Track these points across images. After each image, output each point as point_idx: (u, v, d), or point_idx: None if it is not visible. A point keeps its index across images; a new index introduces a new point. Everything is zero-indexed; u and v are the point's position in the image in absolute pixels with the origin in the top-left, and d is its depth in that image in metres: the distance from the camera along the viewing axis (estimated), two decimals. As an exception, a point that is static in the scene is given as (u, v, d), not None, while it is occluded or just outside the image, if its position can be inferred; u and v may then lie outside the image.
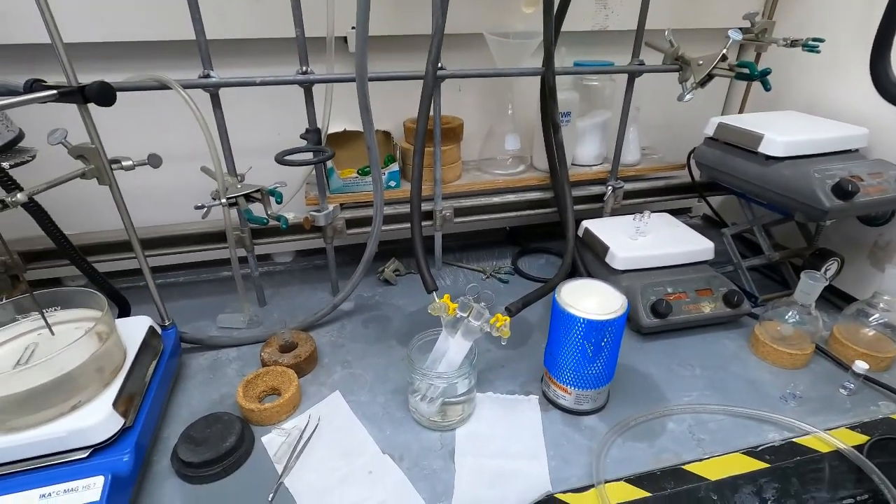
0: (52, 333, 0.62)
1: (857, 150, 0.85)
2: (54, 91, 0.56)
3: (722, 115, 1.18)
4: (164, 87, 0.67)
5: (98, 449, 0.54)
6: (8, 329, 0.62)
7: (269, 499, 0.57)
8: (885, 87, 0.84)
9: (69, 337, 0.61)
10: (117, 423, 0.56)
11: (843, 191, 0.74)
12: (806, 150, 0.81)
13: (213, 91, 0.73)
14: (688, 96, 0.88)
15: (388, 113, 0.97)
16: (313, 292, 0.99)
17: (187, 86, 0.68)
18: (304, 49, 0.73)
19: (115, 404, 0.56)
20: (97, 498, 0.50)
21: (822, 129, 0.86)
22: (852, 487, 0.60)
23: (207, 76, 0.71)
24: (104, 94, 0.58)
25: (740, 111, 1.12)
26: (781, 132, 0.82)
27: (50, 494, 0.50)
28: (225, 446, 0.60)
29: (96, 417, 0.54)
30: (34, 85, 0.57)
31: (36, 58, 0.73)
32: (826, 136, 0.83)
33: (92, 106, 0.60)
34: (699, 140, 0.98)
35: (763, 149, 0.82)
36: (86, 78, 0.60)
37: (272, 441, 0.65)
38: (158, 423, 0.66)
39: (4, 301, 0.63)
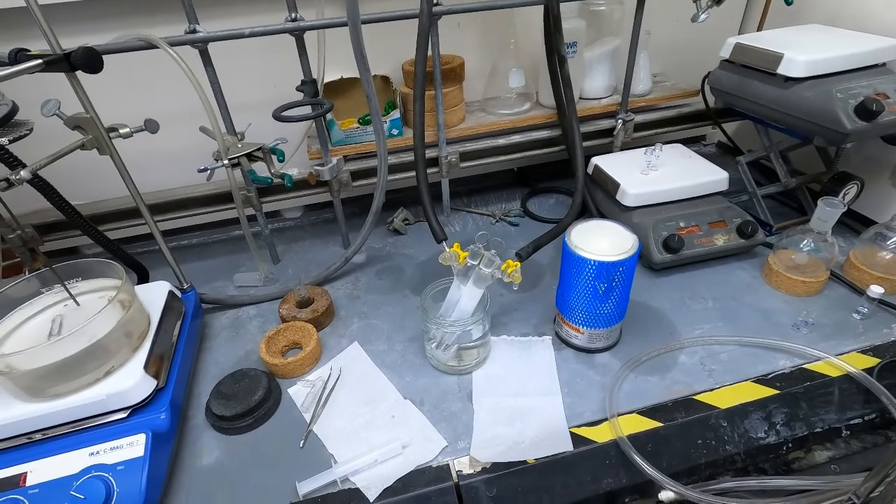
0: (77, 304, 0.64)
1: (884, 65, 0.79)
2: (40, 60, 0.55)
3: (739, 34, 1.10)
4: (150, 46, 0.65)
5: (136, 409, 0.58)
6: (34, 302, 0.64)
7: (301, 445, 0.61)
8: (919, -9, 0.78)
9: (94, 306, 0.63)
10: (150, 384, 0.59)
11: (866, 111, 0.70)
12: (828, 69, 0.77)
13: (202, 47, 0.70)
14: (703, 16, 0.82)
15: (385, 56, 0.93)
16: (325, 246, 0.99)
17: (174, 43, 0.66)
18: (291, -7, 0.70)
19: (146, 367, 0.59)
20: (142, 453, 0.53)
21: (846, 43, 0.80)
22: (861, 408, 0.62)
23: (194, 31, 0.68)
24: (91, 61, 0.56)
25: (759, 29, 1.05)
26: (802, 50, 0.77)
27: (98, 452, 0.54)
28: (254, 399, 0.64)
29: (131, 381, 0.57)
30: (18, 55, 0.55)
31: (8, 24, 0.70)
32: (850, 51, 0.77)
33: (80, 73, 0.58)
34: (714, 63, 0.93)
35: (783, 70, 0.78)
36: (68, 42, 0.58)
37: (298, 392, 0.68)
38: (190, 381, 0.70)
39: (28, 275, 0.65)
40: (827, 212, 0.71)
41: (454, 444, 0.60)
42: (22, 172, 0.54)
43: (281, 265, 0.95)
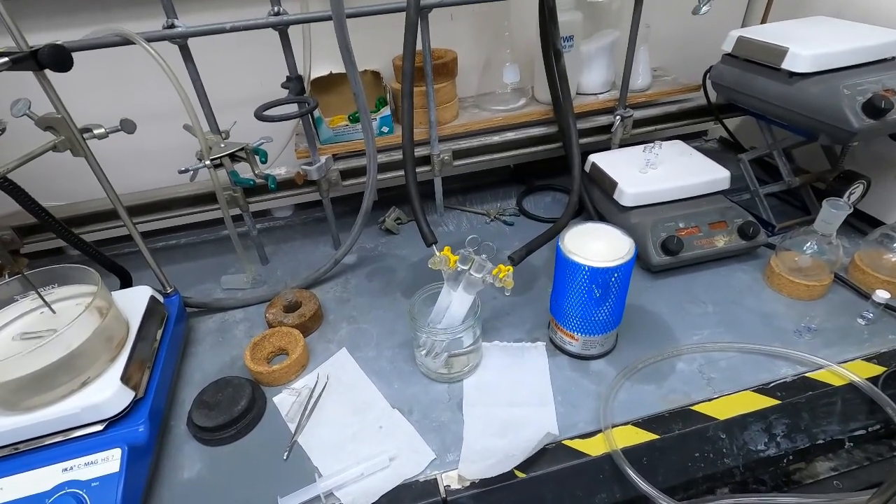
0: (54, 312, 0.62)
1: (893, 59, 0.76)
2: (6, 59, 0.52)
3: (742, 27, 1.07)
4: (127, 42, 0.62)
5: (113, 422, 0.56)
6: (9, 309, 0.62)
7: (285, 457, 0.59)
8: (931, -18, 0.75)
9: (70, 314, 0.61)
10: (128, 396, 0.57)
11: (875, 108, 0.67)
12: (835, 64, 0.74)
13: (182, 42, 0.67)
14: (704, 8, 0.79)
15: (376, 50, 0.90)
16: (315, 246, 0.97)
17: (151, 38, 0.63)
18: (274, -14, 0.67)
19: (123, 378, 0.57)
20: (117, 469, 0.51)
21: (853, 36, 0.77)
22: (864, 419, 0.60)
23: (172, 26, 0.65)
24: (60, 59, 0.53)
25: (763, 21, 1.02)
26: (808, 45, 0.74)
27: (72, 468, 0.52)
28: (237, 409, 0.62)
29: (107, 392, 0.55)
30: (-17, 53, 0.53)
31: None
32: (858, 44, 0.74)
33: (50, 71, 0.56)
34: (716, 56, 0.89)
35: (787, 65, 0.75)
36: (40, 37, 0.55)
37: (283, 401, 0.66)
38: (173, 388, 0.68)
39: (7, 280, 0.63)
40: (832, 214, 0.69)
41: (443, 457, 0.58)
42: (-12, 177, 0.51)
43: (270, 266, 0.92)
